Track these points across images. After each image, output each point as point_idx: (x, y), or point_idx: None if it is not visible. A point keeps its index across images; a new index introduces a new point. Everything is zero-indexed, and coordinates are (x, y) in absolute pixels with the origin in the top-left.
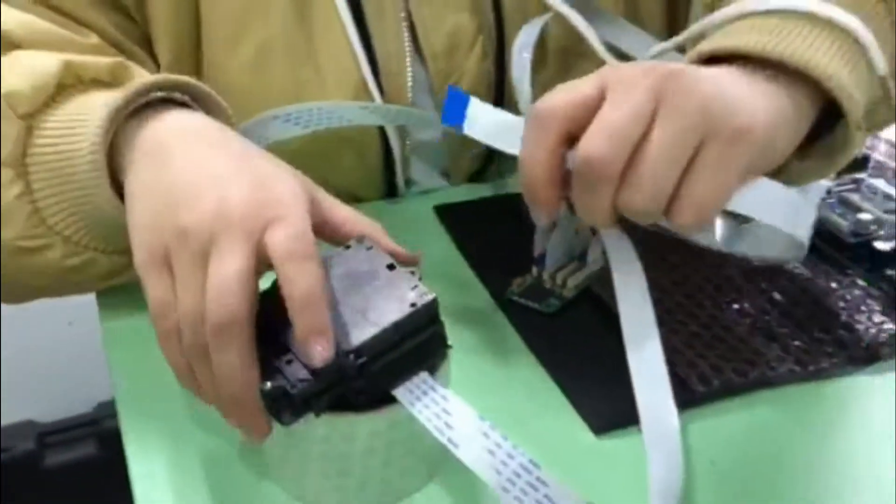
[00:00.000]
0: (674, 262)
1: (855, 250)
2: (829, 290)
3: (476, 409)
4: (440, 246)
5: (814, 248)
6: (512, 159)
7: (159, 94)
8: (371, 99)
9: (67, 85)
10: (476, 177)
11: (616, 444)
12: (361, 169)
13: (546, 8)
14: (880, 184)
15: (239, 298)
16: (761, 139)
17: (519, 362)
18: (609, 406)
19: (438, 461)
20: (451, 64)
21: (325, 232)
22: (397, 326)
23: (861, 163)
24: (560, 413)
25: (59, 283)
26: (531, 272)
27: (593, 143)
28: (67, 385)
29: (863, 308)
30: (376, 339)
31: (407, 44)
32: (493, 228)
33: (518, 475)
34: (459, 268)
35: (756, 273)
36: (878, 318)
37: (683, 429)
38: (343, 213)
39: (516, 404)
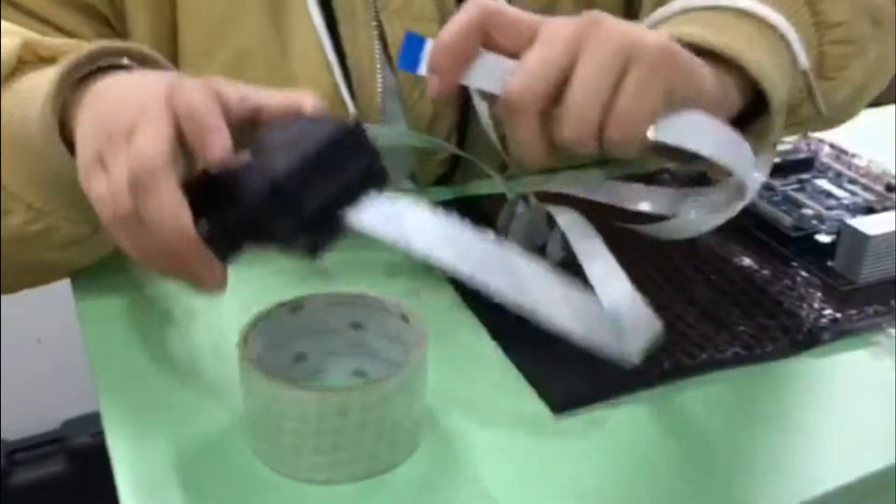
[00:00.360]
0: (626, 255)
1: (798, 243)
2: (773, 280)
3: (440, 393)
4: None
5: (759, 241)
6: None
7: (109, 60)
8: (343, 104)
9: (27, 61)
10: (443, 180)
11: (573, 423)
12: None
13: None
14: (824, 183)
15: (156, 150)
16: (683, 61)
17: (482, 352)
18: (567, 387)
19: (422, 433)
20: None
21: (261, 118)
22: (324, 149)
23: (807, 164)
24: (521, 395)
25: (24, 252)
26: None
27: (513, 80)
28: (35, 402)
29: (805, 296)
30: (305, 163)
31: (378, 52)
32: None
33: (485, 259)
34: (425, 266)
35: (704, 263)
36: (818, 305)
37: (640, 407)
38: (274, 96)
39: (479, 388)
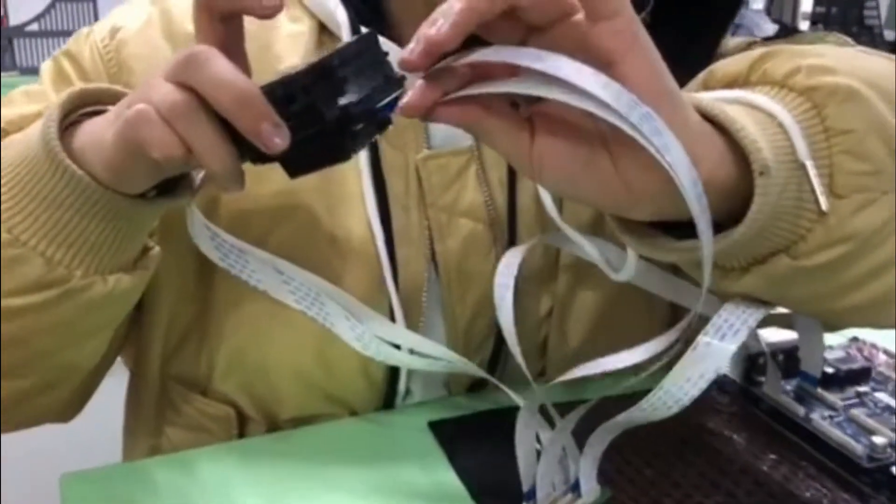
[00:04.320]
0: (681, 485)
1: (872, 475)
2: None
3: None
4: (435, 466)
5: (828, 471)
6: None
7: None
8: (385, 294)
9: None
10: (476, 388)
11: None
12: (363, 378)
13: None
14: (884, 397)
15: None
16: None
17: None
18: None
19: None
20: (463, 271)
21: None
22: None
23: (863, 374)
24: None
25: None
26: None
27: None
28: None
29: None
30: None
31: (426, 248)
32: (488, 447)
33: (633, 107)
34: (454, 487)
35: (770, 499)
36: None
37: None
38: None
39: None
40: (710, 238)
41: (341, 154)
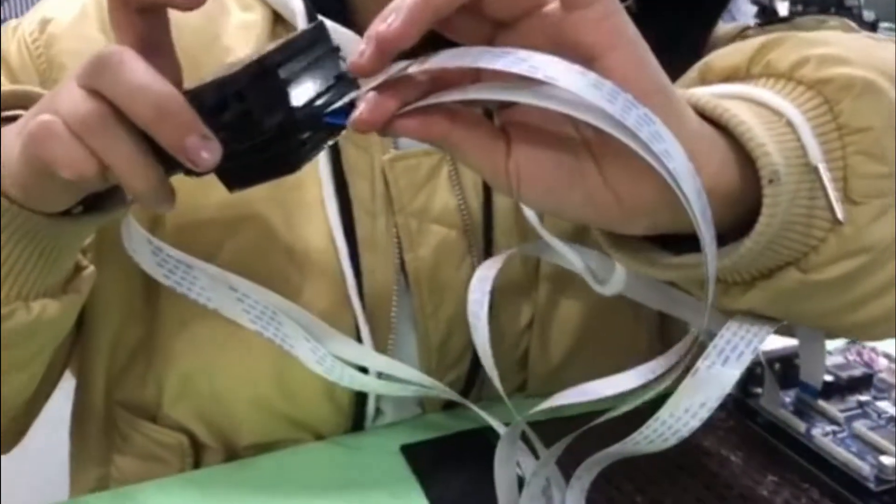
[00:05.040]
0: None
1: (881, 498)
2: None
3: None
4: (407, 493)
5: (833, 494)
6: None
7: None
8: (350, 309)
9: None
10: (451, 405)
11: None
12: (329, 402)
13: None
14: (886, 406)
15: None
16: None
17: None
18: None
19: None
20: (435, 281)
21: None
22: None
23: (864, 382)
24: None
25: None
26: None
27: None
28: None
29: None
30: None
31: (395, 257)
32: (465, 473)
33: (629, 108)
34: None
35: None
36: None
37: None
38: None
39: None
40: (714, 255)
41: (286, 166)
